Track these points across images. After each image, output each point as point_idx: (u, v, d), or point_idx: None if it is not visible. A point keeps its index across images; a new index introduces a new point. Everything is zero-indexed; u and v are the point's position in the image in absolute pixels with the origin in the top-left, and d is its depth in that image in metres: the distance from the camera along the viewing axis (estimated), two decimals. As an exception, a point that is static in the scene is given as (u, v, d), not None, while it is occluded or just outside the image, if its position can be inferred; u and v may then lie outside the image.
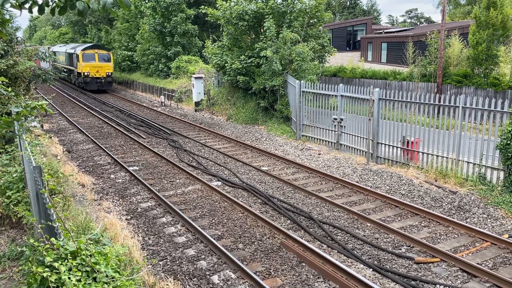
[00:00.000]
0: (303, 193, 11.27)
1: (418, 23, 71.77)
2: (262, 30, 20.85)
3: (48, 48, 46.43)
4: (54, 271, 3.50)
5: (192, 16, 33.00)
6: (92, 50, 34.24)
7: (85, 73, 33.94)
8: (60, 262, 3.55)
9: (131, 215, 9.84)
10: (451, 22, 36.22)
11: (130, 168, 13.32)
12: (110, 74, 35.10)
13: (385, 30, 39.56)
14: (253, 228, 9.11)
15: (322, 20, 22.20)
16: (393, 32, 37.36)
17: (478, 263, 7.51)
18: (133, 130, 19.55)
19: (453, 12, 56.20)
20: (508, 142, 10.27)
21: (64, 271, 3.47)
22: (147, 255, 7.89)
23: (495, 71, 21.28)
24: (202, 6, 22.94)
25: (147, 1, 33.59)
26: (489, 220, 9.47)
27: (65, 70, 40.43)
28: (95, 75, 34.30)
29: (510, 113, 10.50)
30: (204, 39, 31.89)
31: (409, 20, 75.74)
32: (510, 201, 10.03)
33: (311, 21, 21.68)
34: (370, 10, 70.20)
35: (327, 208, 10.23)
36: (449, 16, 53.49)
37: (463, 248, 8.22)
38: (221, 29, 23.01)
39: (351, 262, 7.68)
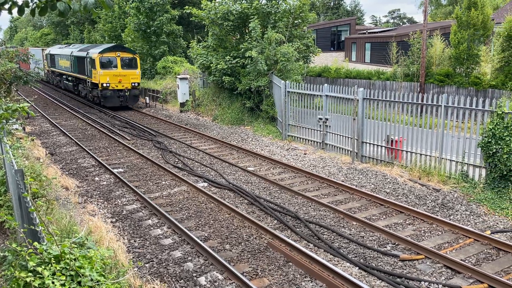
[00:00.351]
0: (289, 193, 11.31)
1: (401, 24, 72.65)
2: (247, 31, 20.86)
3: (43, 50, 41.22)
4: (38, 275, 3.44)
5: (177, 16, 32.85)
6: (113, 53, 25.07)
7: (104, 84, 24.73)
8: (43, 267, 3.49)
9: (116, 218, 9.74)
10: (433, 22, 36.78)
11: (115, 170, 13.19)
12: (136, 85, 25.72)
13: (368, 31, 39.96)
14: (240, 229, 9.10)
15: (306, 20, 22.33)
16: (377, 32, 37.76)
17: (461, 259, 7.63)
18: (118, 131, 19.35)
19: (435, 13, 57.06)
20: (489, 140, 10.47)
21: (48, 276, 3.41)
22: (133, 257, 7.82)
23: (476, 70, 21.68)
24: (187, 6, 22.83)
25: (131, 2, 33.20)
26: (472, 217, 9.64)
27: (70, 79, 31.50)
28: (117, 86, 25.09)
29: (491, 112, 10.71)
30: (188, 40, 31.77)
31: (392, 21, 76.62)
32: (492, 198, 10.22)
33: (295, 21, 21.77)
34: (353, 11, 70.81)
35: (313, 208, 10.28)
36: (431, 16, 54.29)
37: (447, 245, 8.35)
38: (206, 30, 22.93)
39: (338, 261, 7.73)
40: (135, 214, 9.98)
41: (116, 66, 25.03)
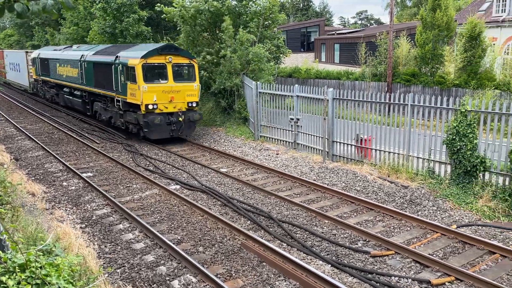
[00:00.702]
0: (262, 193, 11.34)
1: (369, 25, 74.14)
2: (218, 31, 20.80)
3: (27, 53, 32.57)
4: (2, 285, 3.32)
5: (145, 17, 32.36)
6: (163, 57, 16.58)
7: (150, 106, 16.26)
8: (7, 276, 3.38)
9: (86, 223, 9.51)
10: (399, 24, 37.73)
11: (84, 175, 12.88)
12: (194, 105, 17.34)
13: (337, 32, 40.61)
14: (213, 231, 9.06)
15: (276, 21, 22.47)
16: (345, 33, 38.41)
17: (429, 254, 7.85)
18: (86, 135, 18.90)
19: (401, 14, 58.54)
20: (454, 137, 10.83)
21: (13, 285, 3.30)
22: (104, 263, 7.65)
23: (440, 70, 22.39)
24: (158, 4, 22.56)
25: (97, 2, 32.44)
26: (438, 212, 9.94)
27: (78, 94, 22.37)
28: (167, 108, 16.69)
29: (454, 110, 11.07)
30: (158, 41, 31.38)
31: (360, 22, 78.11)
32: (457, 193, 10.57)
33: (265, 22, 21.87)
34: (322, 12, 71.78)
35: (286, 207, 10.36)
36: (397, 17, 55.65)
37: (415, 240, 8.57)
38: (177, 30, 22.73)
39: (311, 259, 7.81)
40: (106, 219, 9.77)
41: (166, 78, 16.40)
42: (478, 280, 6.82)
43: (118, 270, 7.45)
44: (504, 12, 29.83)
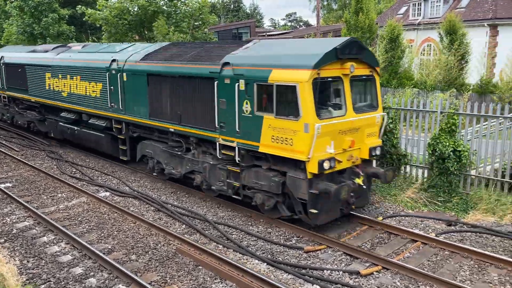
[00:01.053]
0: (198, 196, 11.19)
1: (298, 26, 76.30)
2: (146, 31, 20.26)
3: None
4: None
5: (67, 16, 30.64)
6: (339, 65, 8.32)
7: (326, 164, 8.07)
8: None
9: (5, 238, 8.78)
10: (325, 26, 39.24)
11: (1, 186, 11.89)
12: (378, 152, 9.29)
13: (267, 33, 41.34)
14: (146, 237, 8.79)
15: (207, 22, 22.39)
16: (275, 34, 39.20)
17: (358, 246, 8.23)
18: (3, 142, 17.49)
19: (327, 16, 60.97)
20: (378, 133, 11.40)
21: None
22: (26, 280, 7.12)
23: (365, 70, 23.59)
24: (79, 6, 21.47)
25: (12, 0, 30.15)
26: (366, 205, 10.42)
27: (116, 128, 13.15)
28: (340, 163, 8.52)
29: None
30: (83, 41, 29.87)
31: (289, 24, 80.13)
32: (382, 186, 11.19)
33: (196, 23, 21.70)
34: (253, 14, 72.68)
35: (222, 209, 10.31)
36: (324, 20, 57.88)
37: (345, 233, 8.93)
38: (102, 30, 21.81)
39: (247, 259, 7.85)
40: (28, 232, 9.10)
41: (343, 105, 8.71)
42: (402, 268, 7.26)
43: (42, 286, 6.96)
44: (420, 15, 32.13)
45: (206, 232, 8.99)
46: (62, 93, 15.13)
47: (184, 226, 9.37)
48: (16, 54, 18.59)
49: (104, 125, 13.48)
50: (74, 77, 14.34)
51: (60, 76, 15.11)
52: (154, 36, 18.70)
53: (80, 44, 16.83)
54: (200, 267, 7.55)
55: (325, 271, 7.35)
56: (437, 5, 30.88)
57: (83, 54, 14.59)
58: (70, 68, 14.54)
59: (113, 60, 12.62)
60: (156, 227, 9.04)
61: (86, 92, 13.92)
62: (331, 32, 27.31)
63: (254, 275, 6.90)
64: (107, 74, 12.76)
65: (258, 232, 9.02)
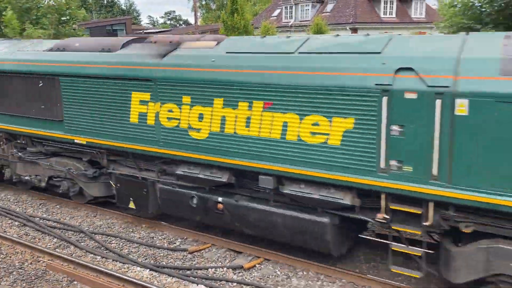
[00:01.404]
0: (71, 205, 10.32)
1: (178, 25, 75.46)
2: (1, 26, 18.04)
3: None
4: None
5: None
6: None
7: None
8: None
9: None
10: (204, 25, 39.50)
11: None
12: None
13: (145, 31, 40.09)
14: (10, 256, 7.84)
15: (75, 18, 20.84)
16: (154, 32, 38.16)
17: (241, 241, 8.40)
18: None
19: (206, 16, 61.42)
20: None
21: None
22: None
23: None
24: None
25: None
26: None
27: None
28: None
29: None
30: None
31: (169, 22, 78.78)
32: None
33: (62, 18, 20.02)
34: (129, 10, 69.77)
35: (99, 218, 9.68)
36: (203, 19, 58.22)
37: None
38: None
39: (128, 267, 7.48)
40: None
41: None
42: (282, 257, 7.62)
43: None
44: (292, 18, 34.22)
45: (82, 243, 8.36)
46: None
47: (55, 240, 8.57)
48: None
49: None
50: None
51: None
52: (6, 33, 16.67)
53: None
54: (76, 282, 6.99)
55: (209, 269, 7.37)
56: (306, 9, 33.26)
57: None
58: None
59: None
60: (21, 243, 8.12)
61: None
62: (209, 32, 27.55)
63: (135, 283, 6.62)
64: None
65: (140, 238, 8.67)
